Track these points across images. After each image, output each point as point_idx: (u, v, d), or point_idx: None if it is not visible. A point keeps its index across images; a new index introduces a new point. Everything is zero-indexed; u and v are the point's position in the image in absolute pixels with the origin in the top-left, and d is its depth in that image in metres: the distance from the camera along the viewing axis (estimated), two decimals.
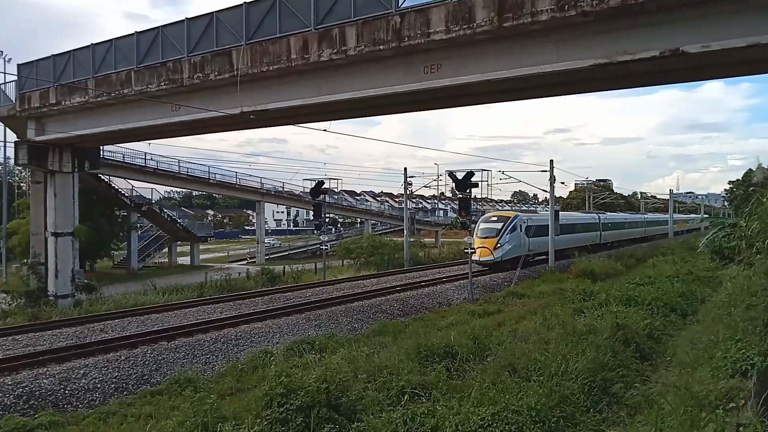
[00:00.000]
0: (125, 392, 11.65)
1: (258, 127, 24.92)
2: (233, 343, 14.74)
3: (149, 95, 21.42)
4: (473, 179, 23.76)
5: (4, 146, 49.93)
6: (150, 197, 44.47)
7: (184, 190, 54.89)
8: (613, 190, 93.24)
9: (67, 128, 25.48)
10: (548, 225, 32.74)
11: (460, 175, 23.80)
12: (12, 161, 33.60)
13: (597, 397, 8.33)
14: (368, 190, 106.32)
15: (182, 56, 20.31)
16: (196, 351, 13.88)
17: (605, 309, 13.42)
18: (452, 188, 31.97)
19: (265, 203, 57.30)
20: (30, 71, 25.69)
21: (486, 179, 26.59)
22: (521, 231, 31.66)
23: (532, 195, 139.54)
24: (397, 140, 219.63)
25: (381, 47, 15.29)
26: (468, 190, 23.99)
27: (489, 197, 45.75)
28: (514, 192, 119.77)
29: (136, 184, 42.99)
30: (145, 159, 40.96)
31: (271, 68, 18.24)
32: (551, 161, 34.00)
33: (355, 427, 7.12)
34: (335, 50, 16.31)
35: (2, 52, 30.24)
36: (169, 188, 50.03)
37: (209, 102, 20.60)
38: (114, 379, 11.93)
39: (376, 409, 7.55)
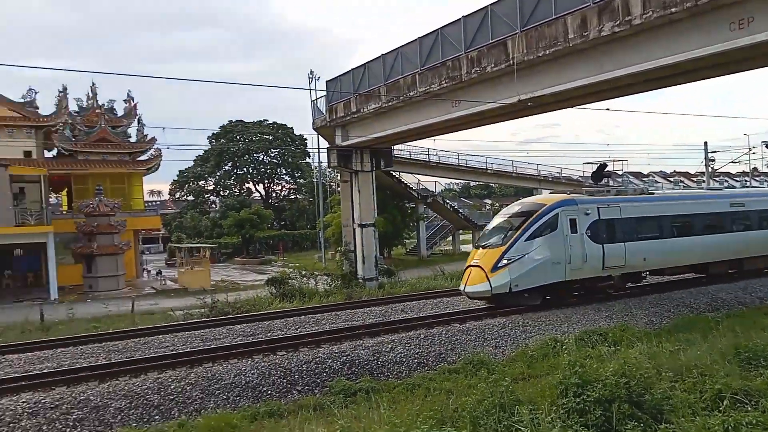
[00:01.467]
0: (426, 367, 12.87)
1: (531, 114, 24.73)
2: (520, 329, 15.01)
3: (432, 94, 23.03)
4: None
5: (318, 152, 59.09)
6: (434, 189, 47.99)
7: (462, 181, 57.41)
8: None
9: (366, 132, 28.98)
10: (659, 213, 19.33)
11: None
12: (325, 164, 39.71)
13: None
14: (658, 170, 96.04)
15: (460, 53, 21.30)
16: (486, 334, 14.54)
17: None
18: None
19: (543, 190, 56.44)
20: (335, 86, 29.89)
21: None
22: (566, 229, 17.02)
23: None
24: (691, 111, 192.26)
25: (673, 10, 13.75)
26: None
27: None
28: None
29: (421, 178, 46.82)
30: (428, 154, 44.06)
31: (547, 52, 17.94)
32: None
33: (663, 429, 6.60)
34: (617, 22, 15.26)
35: (313, 72, 35.63)
36: (449, 180, 52.97)
37: (486, 94, 21.22)
38: (416, 355, 13.28)
39: (687, 412, 6.87)
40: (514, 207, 19.28)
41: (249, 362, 12.62)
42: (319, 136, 34.46)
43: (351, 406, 10.76)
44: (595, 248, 17.24)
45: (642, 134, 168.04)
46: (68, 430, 10.10)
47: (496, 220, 18.86)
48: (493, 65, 20.03)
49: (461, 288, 17.41)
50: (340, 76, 29.80)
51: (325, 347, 13.48)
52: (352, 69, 28.55)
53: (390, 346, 13.56)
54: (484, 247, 17.40)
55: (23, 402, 10.58)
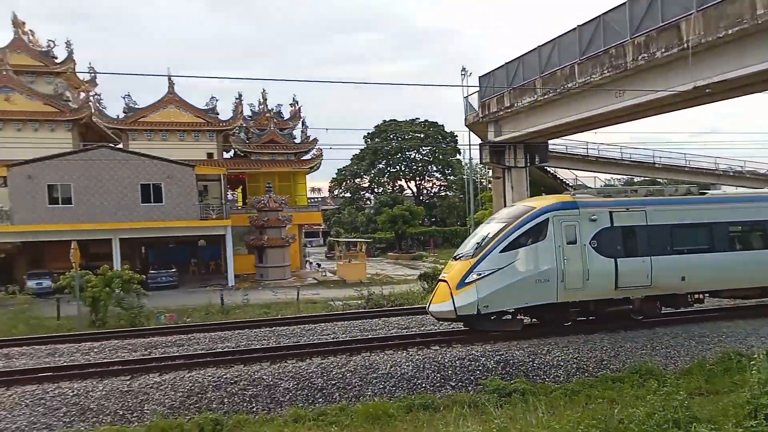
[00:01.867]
0: (585, 373, 12.22)
1: (708, 103, 22.36)
2: (696, 340, 13.62)
3: (592, 85, 21.85)
4: None
5: (469, 149, 58.76)
6: (592, 186, 45.17)
7: (625, 176, 53.52)
8: None
9: (520, 127, 28.29)
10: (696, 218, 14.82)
11: None
12: (476, 161, 39.47)
13: None
14: None
15: (624, 39, 19.94)
16: (655, 343, 13.42)
17: None
18: None
19: (722, 186, 50.61)
20: (488, 81, 29.53)
21: None
22: (559, 239, 13.58)
23: None
24: None
25: None
26: None
27: None
28: None
29: (579, 173, 44.51)
30: (587, 148, 41.77)
31: (729, 32, 16.20)
32: None
33: None
34: None
35: (465, 68, 35.54)
36: (609, 175, 49.64)
37: (655, 82, 19.66)
38: (575, 360, 12.66)
39: None
40: (503, 211, 16.00)
41: (404, 354, 12.96)
42: (471, 133, 34.27)
43: (506, 407, 10.60)
44: (603, 263, 13.72)
45: None
46: (244, 404, 11.19)
47: (480, 227, 15.68)
48: (663, 50, 18.51)
49: (426, 307, 14.68)
50: (493, 70, 29.41)
51: (477, 345, 13.40)
52: (506, 63, 28.04)
53: (547, 348, 13.08)
54: (456, 259, 14.33)
55: (209, 376, 11.92)
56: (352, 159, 69.04)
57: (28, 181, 30.73)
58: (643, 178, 53.02)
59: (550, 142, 33.98)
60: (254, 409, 11.09)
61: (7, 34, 42.86)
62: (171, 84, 42.86)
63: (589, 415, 8.76)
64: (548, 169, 39.91)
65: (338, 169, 72.00)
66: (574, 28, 22.94)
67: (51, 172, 31.19)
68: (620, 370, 12.09)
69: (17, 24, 41.67)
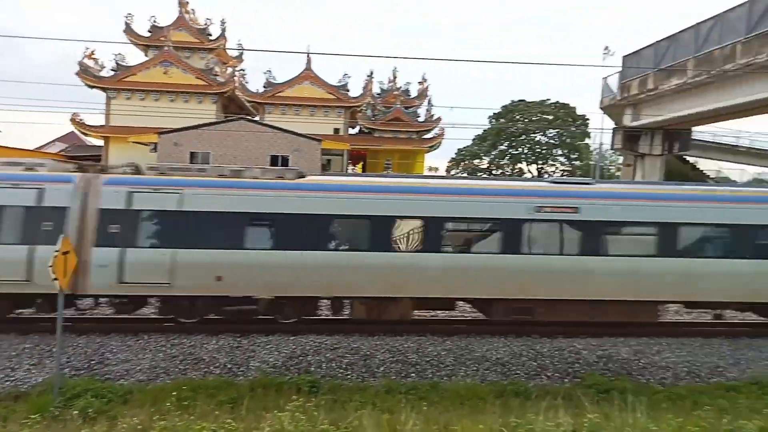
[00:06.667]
0: (697, 379, 11.29)
1: None
2: None
3: (757, 66, 19.55)
4: None
5: (601, 133, 55.36)
6: (738, 179, 40.69)
7: None
8: None
9: (662, 111, 26.17)
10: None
11: None
12: (606, 146, 37.16)
13: None
14: None
15: None
16: None
17: None
18: None
19: None
20: (634, 61, 27.53)
21: None
22: None
23: None
24: None
25: None
26: None
27: None
28: None
29: (724, 165, 40.22)
30: (737, 137, 37.65)
31: None
32: None
33: None
34: None
35: (608, 47, 33.41)
36: (762, 169, 44.43)
37: None
38: (686, 363, 11.73)
39: None
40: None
41: (502, 339, 12.79)
42: (605, 116, 32.35)
43: (603, 403, 10.12)
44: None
45: None
46: (340, 371, 11.68)
47: None
48: None
49: None
50: (640, 49, 27.43)
51: (581, 338, 12.84)
52: (657, 41, 26.00)
53: (656, 348, 12.23)
54: None
55: (311, 341, 12.63)
56: (474, 139, 67.95)
57: (174, 148, 33.94)
58: None
59: (693, 129, 31.16)
60: (348, 376, 11.53)
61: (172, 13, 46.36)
62: (309, 60, 44.80)
63: (693, 422, 8.14)
64: (688, 158, 36.59)
65: (458, 149, 71.27)
66: (745, 2, 20.60)
67: (194, 140, 34.19)
68: (737, 379, 11.03)
69: (182, 3, 45.68)
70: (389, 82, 49.51)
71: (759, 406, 8.76)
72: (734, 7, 20.90)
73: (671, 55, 24.39)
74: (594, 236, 12.71)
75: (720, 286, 12.67)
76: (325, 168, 39.18)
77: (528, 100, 67.46)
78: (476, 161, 71.83)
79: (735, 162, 39.72)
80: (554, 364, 11.86)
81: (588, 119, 59.88)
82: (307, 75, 44.92)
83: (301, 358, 11.95)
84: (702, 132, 35.39)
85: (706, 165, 39.29)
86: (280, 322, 13.14)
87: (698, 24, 22.73)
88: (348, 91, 45.94)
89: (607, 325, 13.17)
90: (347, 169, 42.02)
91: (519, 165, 70.21)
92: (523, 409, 10.03)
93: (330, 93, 45.28)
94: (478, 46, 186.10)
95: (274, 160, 34.48)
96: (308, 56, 44.63)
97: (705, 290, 12.69)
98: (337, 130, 45.18)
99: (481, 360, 11.97)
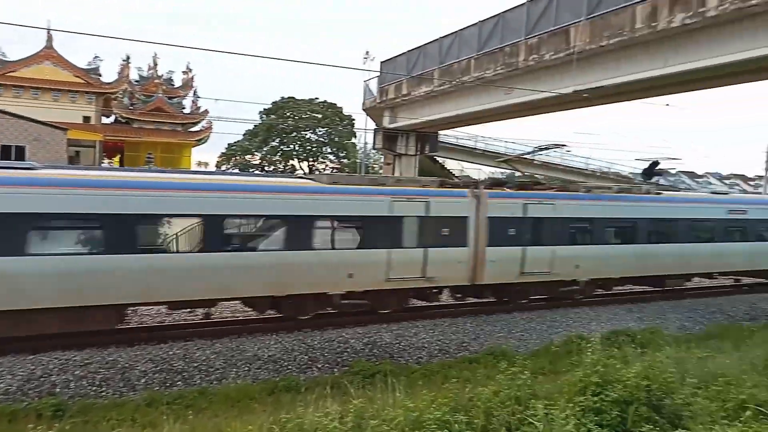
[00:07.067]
0: (447, 355, 12.70)
1: (588, 106, 24.00)
2: (548, 324, 14.69)
3: (486, 80, 22.54)
4: None
5: (365, 133, 58.69)
6: (477, 177, 47.12)
7: (508, 170, 56.30)
8: None
9: (414, 115, 28.75)
10: None
11: None
12: (369, 146, 39.67)
13: None
14: (713, 171, 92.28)
15: (519, 39, 20.73)
16: (512, 327, 14.26)
17: None
18: None
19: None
20: (390, 67, 29.64)
21: None
22: None
23: None
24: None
25: (753, 2, 13.11)
26: None
27: None
28: None
29: (465, 165, 46.14)
30: (475, 141, 43.36)
31: (610, 42, 17.37)
32: None
33: None
34: (690, 13, 14.58)
35: (368, 52, 35.54)
36: (493, 168, 52.05)
37: (542, 83, 20.65)
38: (438, 342, 13.12)
39: (706, 420, 6.58)
40: None
41: (274, 336, 12.75)
42: (368, 117, 34.42)
43: (368, 388, 10.71)
44: None
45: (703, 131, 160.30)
46: (92, 389, 10.42)
47: None
48: (552, 53, 19.48)
49: None
50: (395, 57, 29.56)
51: (350, 328, 13.48)
52: (408, 50, 28.27)
53: (414, 330, 13.45)
54: None
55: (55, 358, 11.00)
56: (244, 134, 66.78)
57: None
58: (524, 173, 55.79)
59: (441, 132, 34.93)
60: (103, 393, 10.37)
61: None
62: (50, 38, 39.02)
63: (443, 395, 9.04)
64: (437, 159, 40.99)
65: (228, 144, 69.39)
66: (476, 23, 23.49)
67: None
68: (478, 351, 12.70)
69: None
70: (149, 69, 45.78)
71: (493, 374, 10.06)
72: (468, 26, 23.96)
73: (421, 64, 26.94)
74: None
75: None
76: (74, 161, 34.61)
77: (298, 97, 68.40)
78: (248, 157, 70.51)
79: (473, 162, 45.75)
80: (324, 356, 12.20)
81: (354, 119, 63.15)
82: (48, 54, 39.25)
83: (42, 379, 10.35)
84: (448, 135, 39.93)
85: (451, 165, 44.59)
86: None
87: (441, 38, 25.45)
88: (100, 75, 41.38)
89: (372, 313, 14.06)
90: (101, 162, 37.76)
91: (291, 162, 70.86)
92: (294, 403, 10.07)
93: (78, 76, 40.25)
94: (258, 41, 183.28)
95: (6, 151, 29.31)
96: (49, 33, 38.98)
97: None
98: (87, 119, 40.33)
99: (253, 359, 11.75)
